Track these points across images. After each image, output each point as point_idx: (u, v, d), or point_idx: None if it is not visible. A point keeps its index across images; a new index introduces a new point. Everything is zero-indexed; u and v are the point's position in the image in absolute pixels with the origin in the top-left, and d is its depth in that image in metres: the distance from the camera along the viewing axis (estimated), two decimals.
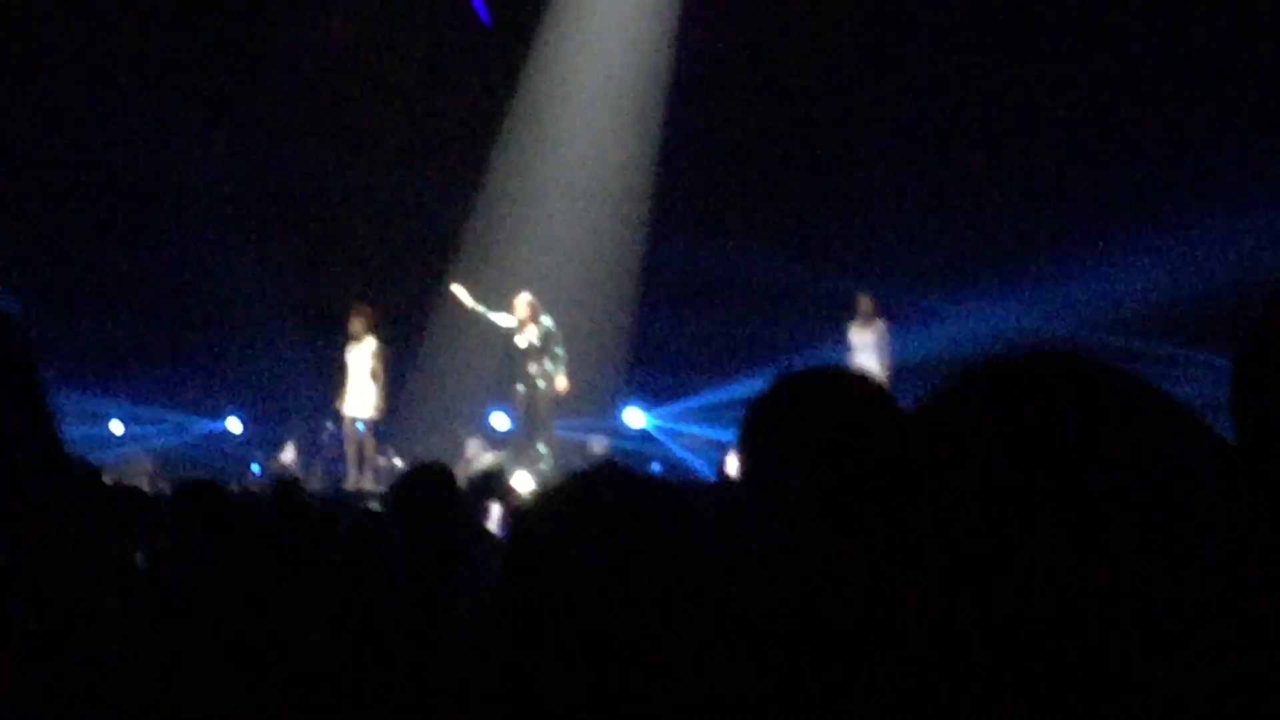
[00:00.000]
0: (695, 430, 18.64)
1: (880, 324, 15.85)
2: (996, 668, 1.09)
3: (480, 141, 20.53)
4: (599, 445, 18.12)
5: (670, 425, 19.24)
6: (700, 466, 17.50)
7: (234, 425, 19.94)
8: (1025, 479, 1.11)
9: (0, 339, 1.97)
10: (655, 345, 19.89)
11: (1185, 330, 16.36)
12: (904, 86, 19.47)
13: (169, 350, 19.57)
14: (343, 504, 10.42)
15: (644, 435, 19.27)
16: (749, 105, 20.22)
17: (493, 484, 6.44)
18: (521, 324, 15.36)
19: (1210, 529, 1.10)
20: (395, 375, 17.75)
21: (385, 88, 20.55)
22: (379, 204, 20.32)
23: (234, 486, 14.13)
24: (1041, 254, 18.21)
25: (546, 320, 15.45)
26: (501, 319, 15.51)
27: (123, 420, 19.69)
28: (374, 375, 15.54)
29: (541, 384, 15.33)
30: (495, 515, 5.88)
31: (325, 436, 17.88)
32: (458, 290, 15.91)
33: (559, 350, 15.46)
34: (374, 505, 10.16)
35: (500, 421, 16.93)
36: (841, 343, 15.91)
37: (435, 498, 4.93)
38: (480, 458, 16.81)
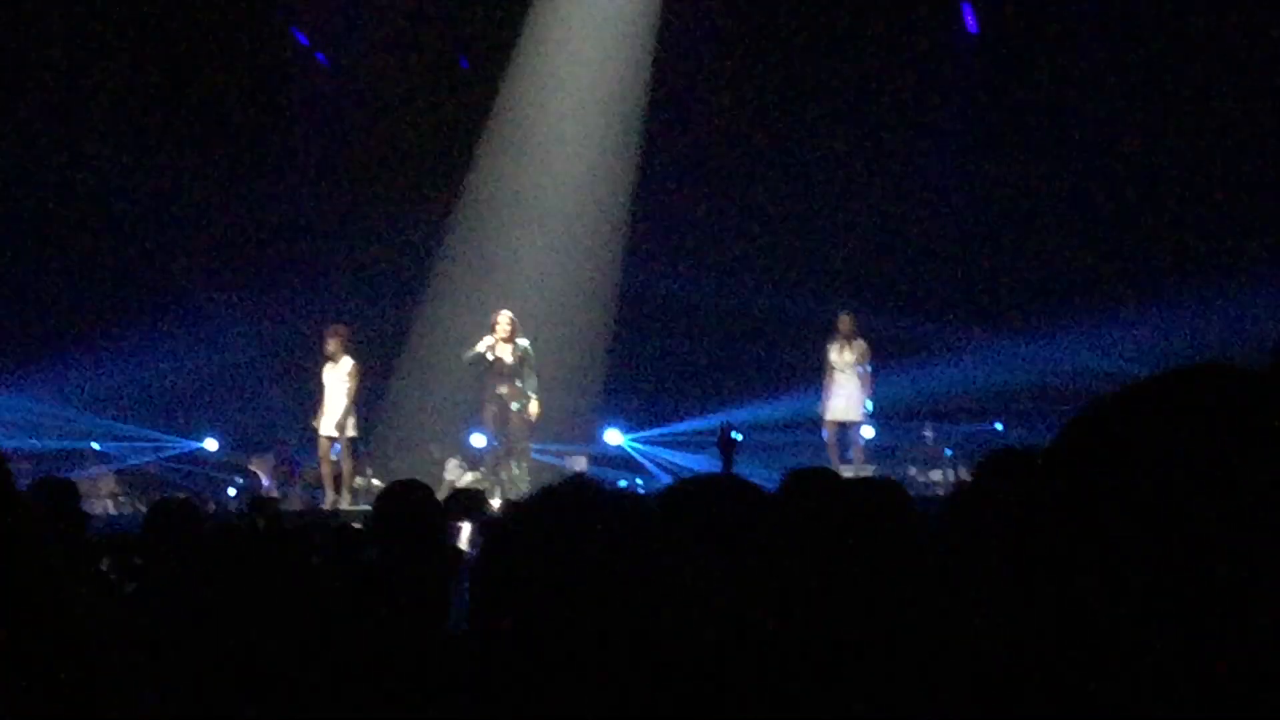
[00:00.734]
0: (673, 457, 18.60)
1: (861, 343, 15.82)
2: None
3: (456, 166, 20.49)
4: (578, 465, 18.09)
5: (648, 449, 19.20)
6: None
7: (210, 445, 19.84)
8: (1191, 490, 1.11)
9: None
10: (633, 371, 19.87)
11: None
12: (880, 109, 19.58)
13: (150, 369, 19.49)
14: (320, 524, 10.36)
15: (623, 456, 19.22)
16: (726, 130, 20.26)
17: (467, 502, 6.40)
18: (499, 341, 15.33)
19: None
20: (373, 395, 17.72)
21: (361, 111, 20.51)
22: (356, 227, 20.24)
23: (211, 506, 14.09)
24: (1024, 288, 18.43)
25: (523, 342, 15.42)
26: (481, 344, 15.49)
27: (100, 442, 19.59)
28: (350, 395, 15.49)
29: (515, 403, 15.29)
30: (465, 534, 5.83)
31: (302, 456, 17.80)
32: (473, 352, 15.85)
33: (531, 374, 15.42)
34: (355, 525, 10.10)
35: (479, 441, 16.86)
36: (820, 364, 15.88)
37: (415, 515, 4.89)
38: (459, 477, 16.79)
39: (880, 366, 15.93)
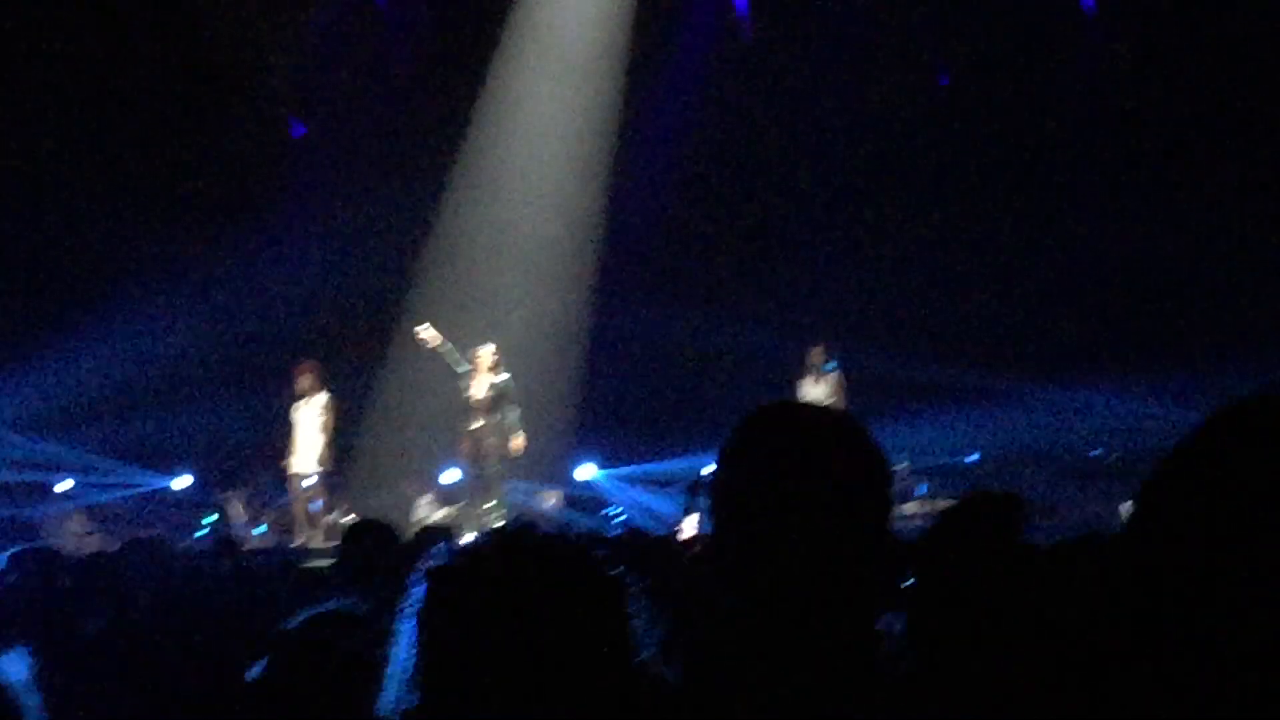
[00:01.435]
0: (643, 498, 18.56)
1: (833, 377, 15.79)
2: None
3: (426, 203, 20.51)
4: (552, 498, 18.04)
5: (619, 486, 19.17)
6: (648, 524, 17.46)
7: (181, 483, 19.73)
8: None
9: None
10: (606, 408, 19.86)
11: None
12: (860, 134, 19.59)
13: (123, 404, 19.43)
14: (290, 562, 10.35)
15: (594, 491, 19.17)
16: (698, 165, 20.31)
17: (432, 539, 6.42)
18: (478, 374, 15.29)
19: None
20: (348, 430, 17.67)
21: (329, 138, 20.53)
22: (326, 262, 20.22)
23: (181, 544, 14.01)
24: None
25: (504, 376, 15.39)
26: (459, 366, 15.42)
27: (74, 476, 19.48)
28: (324, 429, 15.47)
29: (492, 438, 15.24)
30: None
31: (275, 494, 17.75)
32: (425, 331, 15.76)
33: (513, 408, 15.38)
34: (324, 563, 10.09)
35: (451, 476, 16.83)
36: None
37: (378, 554, 4.93)
38: (429, 514, 16.75)
39: (860, 403, 15.83)
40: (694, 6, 20.36)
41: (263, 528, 17.48)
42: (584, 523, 16.94)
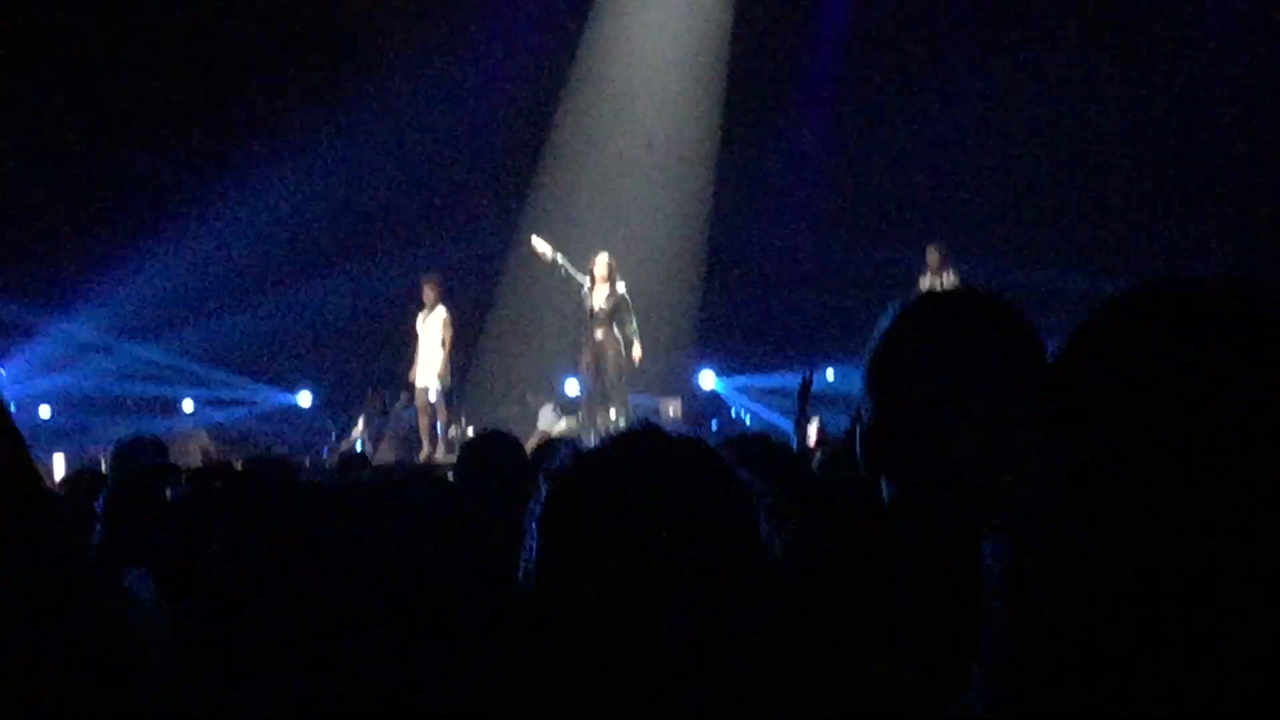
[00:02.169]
0: (762, 411, 18.48)
1: (952, 276, 15.61)
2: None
3: (543, 113, 20.42)
4: (673, 408, 18.00)
5: (739, 396, 19.12)
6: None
7: (304, 399, 19.93)
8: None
9: None
10: (727, 319, 19.80)
11: None
12: (977, 49, 19.21)
13: (247, 316, 19.62)
14: (414, 477, 10.36)
15: (716, 399, 19.14)
16: (814, 76, 20.05)
17: (562, 458, 6.34)
18: (596, 284, 15.16)
19: None
20: (468, 343, 17.73)
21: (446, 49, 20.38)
22: (447, 178, 20.21)
23: (306, 463, 14.12)
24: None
25: (621, 286, 15.23)
26: (579, 275, 15.30)
27: (193, 390, 19.77)
28: (445, 344, 15.52)
29: (611, 349, 15.13)
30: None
31: (399, 409, 17.85)
32: (537, 242, 15.60)
33: (631, 318, 15.24)
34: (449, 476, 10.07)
35: (573, 388, 16.82)
36: None
37: (500, 466, 4.85)
38: (553, 425, 16.75)
39: None
40: None
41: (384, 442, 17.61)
42: (708, 429, 16.96)
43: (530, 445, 7.03)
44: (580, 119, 20.32)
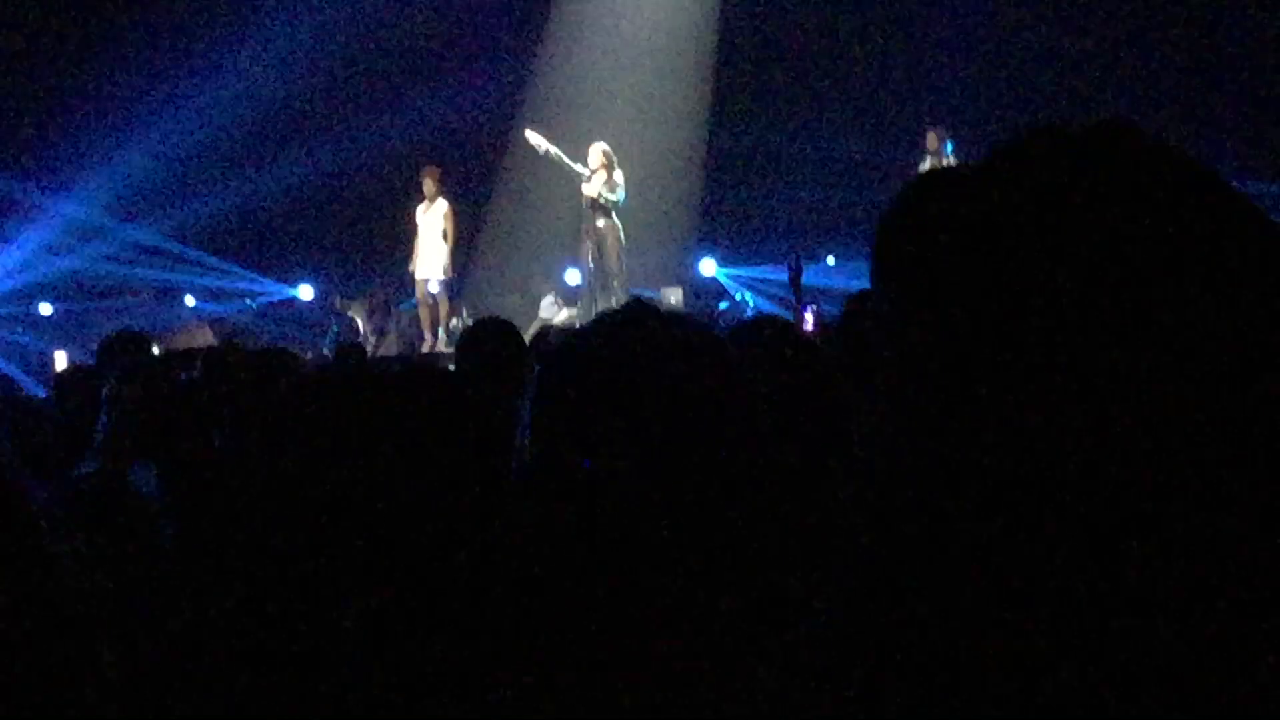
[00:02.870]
0: (762, 304, 18.48)
1: (951, 160, 15.54)
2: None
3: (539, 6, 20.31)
4: (674, 296, 17.99)
5: (739, 286, 19.11)
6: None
7: (305, 293, 19.89)
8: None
9: None
10: (723, 215, 19.80)
11: None
12: None
13: (247, 212, 19.58)
14: (415, 368, 10.39)
15: (718, 285, 19.13)
16: None
17: (553, 339, 6.36)
18: (593, 173, 15.08)
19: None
20: (469, 234, 17.67)
21: None
22: (442, 68, 20.07)
23: (308, 354, 14.14)
24: None
25: (619, 174, 15.16)
26: (575, 166, 15.24)
27: (189, 276, 19.74)
28: (446, 236, 15.46)
29: (611, 236, 15.09)
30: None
31: (400, 300, 17.85)
32: (531, 135, 15.52)
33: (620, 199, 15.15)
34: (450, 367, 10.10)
35: (573, 277, 16.79)
36: None
37: (498, 354, 4.86)
38: (554, 314, 16.76)
39: None
40: None
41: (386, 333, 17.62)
42: (713, 311, 17.00)
43: (529, 334, 7.05)
44: (580, 6, 20.14)
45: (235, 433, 4.91)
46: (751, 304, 18.04)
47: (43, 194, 18.75)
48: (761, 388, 1.81)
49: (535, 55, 20.36)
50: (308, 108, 19.82)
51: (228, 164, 19.51)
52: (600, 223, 15.03)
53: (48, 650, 1.97)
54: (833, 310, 10.74)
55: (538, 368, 1.79)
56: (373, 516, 3.45)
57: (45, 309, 18.59)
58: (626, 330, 1.77)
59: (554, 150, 15.14)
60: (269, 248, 19.98)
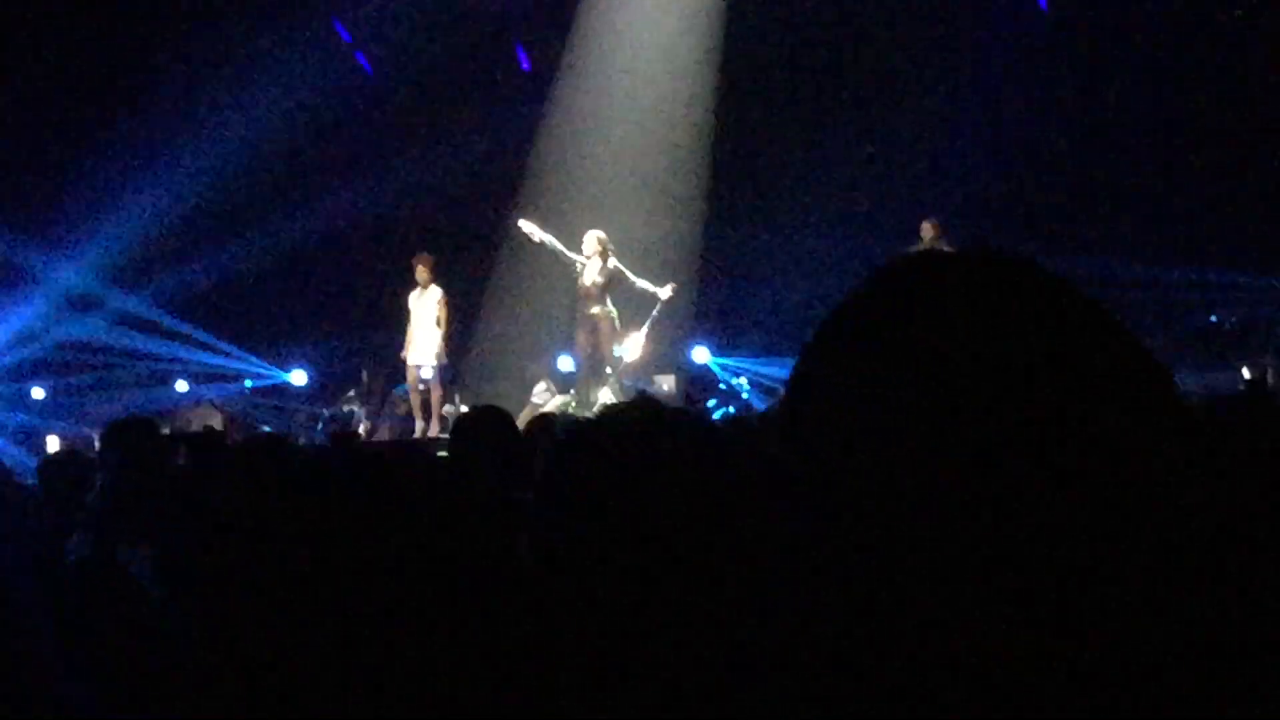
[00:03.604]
0: (754, 399, 18.52)
1: (946, 249, 15.55)
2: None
3: (539, 89, 20.47)
4: (668, 385, 18.01)
5: (733, 370, 19.17)
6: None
7: (298, 378, 19.87)
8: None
9: None
10: (718, 305, 19.89)
11: None
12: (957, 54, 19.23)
13: (243, 294, 19.62)
14: (409, 455, 10.40)
15: (709, 373, 19.17)
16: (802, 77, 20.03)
17: (549, 427, 6.38)
18: (587, 261, 15.13)
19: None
20: (464, 320, 17.72)
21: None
22: (439, 154, 20.22)
23: (301, 440, 14.16)
24: None
25: (614, 262, 15.22)
26: (569, 254, 15.29)
27: (184, 350, 19.73)
28: (439, 322, 15.50)
29: (605, 325, 15.12)
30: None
31: (393, 388, 17.86)
32: (526, 225, 15.56)
33: (631, 278, 15.17)
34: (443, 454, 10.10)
35: (566, 364, 16.82)
36: None
37: (492, 442, 4.87)
38: (545, 401, 16.77)
39: None
40: None
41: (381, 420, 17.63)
42: (704, 405, 17.02)
43: (522, 421, 7.07)
44: (576, 99, 20.29)
45: (229, 518, 4.91)
46: (746, 387, 18.08)
47: (33, 262, 18.73)
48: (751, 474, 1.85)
49: (531, 142, 20.51)
50: (299, 179, 19.96)
51: (218, 234, 19.58)
52: (594, 310, 15.08)
53: None
54: None
55: (546, 457, 1.83)
56: (369, 602, 3.46)
57: (38, 393, 18.56)
58: (631, 426, 1.81)
59: (548, 238, 15.21)
60: (259, 321, 20.01)
